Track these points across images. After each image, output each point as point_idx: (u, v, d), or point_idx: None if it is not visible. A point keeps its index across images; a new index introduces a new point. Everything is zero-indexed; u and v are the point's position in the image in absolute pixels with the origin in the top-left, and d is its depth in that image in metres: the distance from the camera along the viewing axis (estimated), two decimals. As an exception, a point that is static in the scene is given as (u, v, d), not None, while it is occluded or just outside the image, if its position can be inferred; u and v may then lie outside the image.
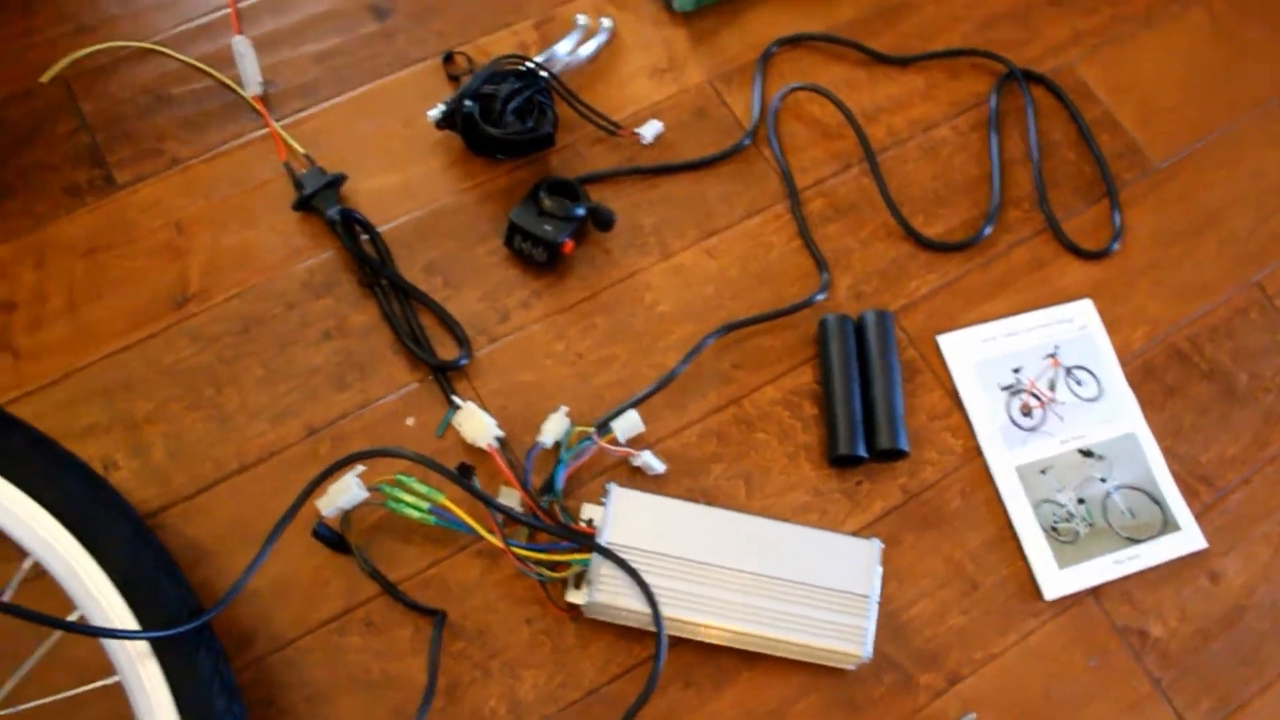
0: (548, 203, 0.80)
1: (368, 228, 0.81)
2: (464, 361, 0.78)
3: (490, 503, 0.69)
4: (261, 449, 0.74)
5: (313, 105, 0.87)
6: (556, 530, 0.69)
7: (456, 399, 0.76)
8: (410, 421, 0.76)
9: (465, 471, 0.72)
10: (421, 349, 0.77)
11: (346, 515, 0.71)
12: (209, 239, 0.81)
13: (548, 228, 0.80)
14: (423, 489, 0.70)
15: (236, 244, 0.81)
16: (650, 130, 0.87)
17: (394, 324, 0.78)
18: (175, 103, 0.86)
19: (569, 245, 0.80)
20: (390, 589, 0.70)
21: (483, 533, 0.68)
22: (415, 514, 0.69)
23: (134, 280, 0.79)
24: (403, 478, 0.70)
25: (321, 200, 0.81)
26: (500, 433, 0.74)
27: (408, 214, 0.83)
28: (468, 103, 0.81)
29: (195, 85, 0.87)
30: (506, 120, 0.82)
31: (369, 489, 0.69)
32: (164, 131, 0.85)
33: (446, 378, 0.78)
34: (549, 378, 0.79)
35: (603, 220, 0.82)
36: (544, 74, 0.85)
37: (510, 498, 0.72)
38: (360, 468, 0.71)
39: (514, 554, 0.68)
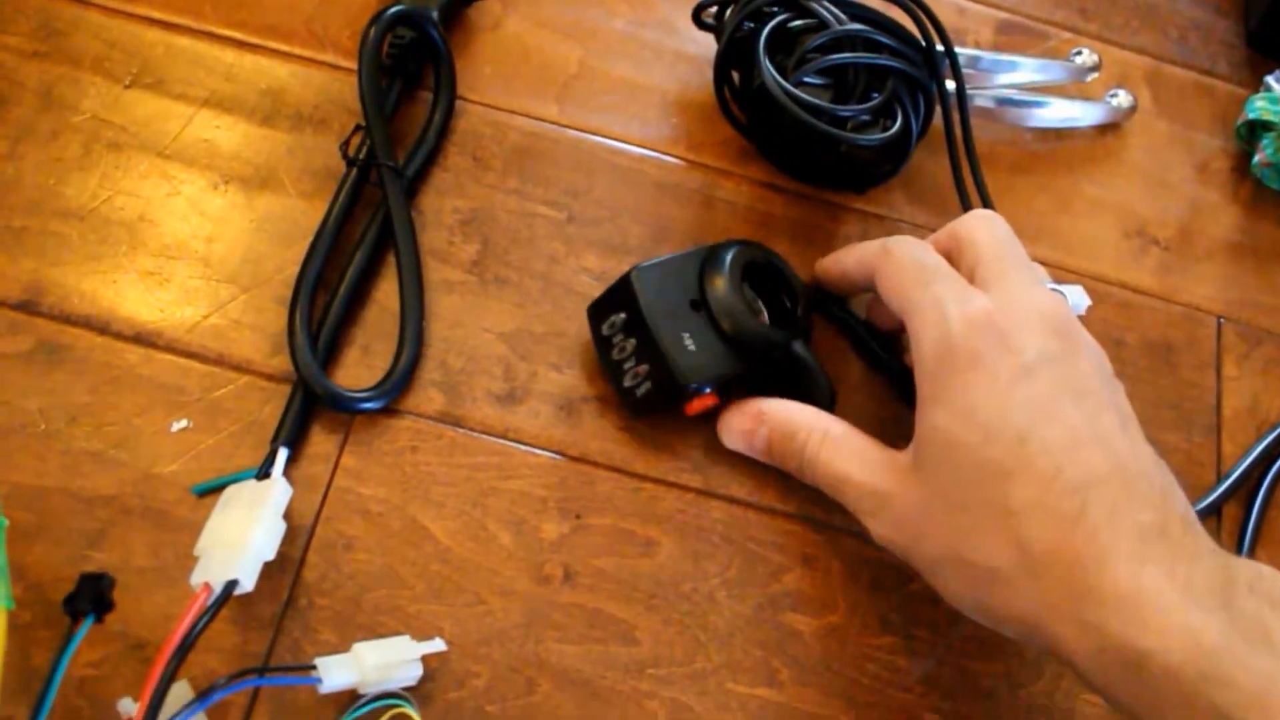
0: (720, 285, 0.35)
1: (439, 59, 0.40)
2: (369, 406, 0.35)
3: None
4: None
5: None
6: None
7: (280, 459, 0.33)
8: (179, 425, 0.35)
9: (84, 599, 0.29)
10: (308, 347, 0.35)
11: None
12: None
13: (687, 342, 0.34)
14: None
15: None
16: (1071, 300, 0.37)
17: (316, 252, 0.37)
18: None
19: (706, 401, 0.35)
20: None
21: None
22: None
23: None
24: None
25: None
26: (262, 558, 0.31)
27: (535, 122, 0.41)
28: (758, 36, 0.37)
29: None
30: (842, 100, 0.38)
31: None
32: None
33: (311, 402, 0.35)
34: (472, 562, 0.34)
35: (815, 392, 0.36)
36: (948, 77, 0.40)
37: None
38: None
39: None
